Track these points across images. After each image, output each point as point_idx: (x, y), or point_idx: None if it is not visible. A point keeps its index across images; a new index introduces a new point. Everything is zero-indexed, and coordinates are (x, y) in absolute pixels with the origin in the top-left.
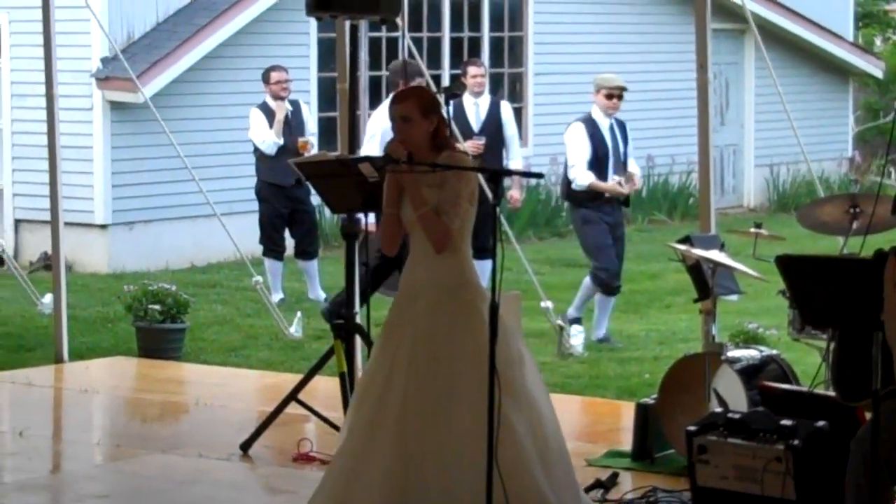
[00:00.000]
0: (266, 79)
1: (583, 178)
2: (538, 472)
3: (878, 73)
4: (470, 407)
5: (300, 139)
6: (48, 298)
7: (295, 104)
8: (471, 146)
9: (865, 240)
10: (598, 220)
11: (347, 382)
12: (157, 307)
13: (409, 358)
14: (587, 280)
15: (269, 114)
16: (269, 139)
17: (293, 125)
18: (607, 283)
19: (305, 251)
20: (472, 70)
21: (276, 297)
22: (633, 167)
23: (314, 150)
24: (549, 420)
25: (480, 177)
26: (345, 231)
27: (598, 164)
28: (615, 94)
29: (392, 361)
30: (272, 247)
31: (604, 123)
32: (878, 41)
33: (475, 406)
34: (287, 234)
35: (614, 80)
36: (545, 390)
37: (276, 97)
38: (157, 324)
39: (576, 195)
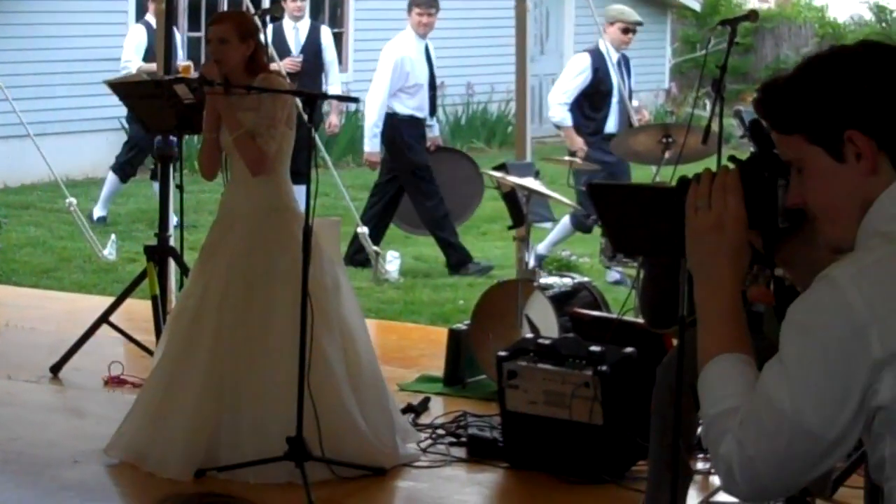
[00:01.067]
0: None
1: (559, 117)
2: (348, 396)
3: (696, 6)
4: (282, 330)
5: (181, 63)
6: None
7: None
8: (288, 63)
9: (677, 169)
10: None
11: (159, 306)
12: None
13: (224, 281)
14: (567, 220)
15: (152, 33)
16: (131, 63)
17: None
18: (587, 225)
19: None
20: None
21: (101, 213)
22: (636, 103)
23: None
24: (363, 348)
25: (297, 101)
26: (159, 153)
27: (601, 99)
28: (631, 28)
29: (207, 284)
30: (129, 170)
31: (612, 58)
32: None
33: (288, 329)
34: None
35: (631, 14)
36: (361, 317)
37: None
38: None
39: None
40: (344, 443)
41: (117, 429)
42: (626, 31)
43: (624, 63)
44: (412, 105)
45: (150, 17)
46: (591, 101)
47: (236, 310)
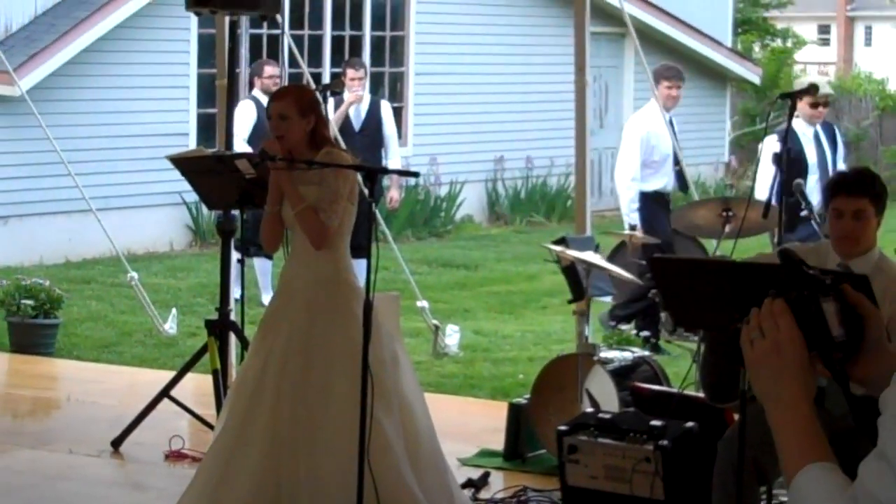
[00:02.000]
0: (258, 73)
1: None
2: (408, 474)
3: (756, 80)
4: (341, 407)
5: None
6: None
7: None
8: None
9: (737, 243)
10: None
11: (220, 380)
12: (30, 302)
13: (283, 355)
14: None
15: (260, 107)
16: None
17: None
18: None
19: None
20: (350, 73)
21: (267, 296)
22: None
23: None
24: (422, 423)
25: (358, 175)
26: (220, 227)
27: (798, 176)
28: (820, 102)
29: (267, 358)
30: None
31: (806, 133)
32: (756, 47)
33: (346, 406)
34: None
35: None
36: (420, 392)
37: (267, 92)
38: (29, 319)
39: None
40: None
41: (177, 503)
42: (814, 105)
43: (826, 134)
44: (657, 180)
45: (258, 93)
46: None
47: (295, 384)
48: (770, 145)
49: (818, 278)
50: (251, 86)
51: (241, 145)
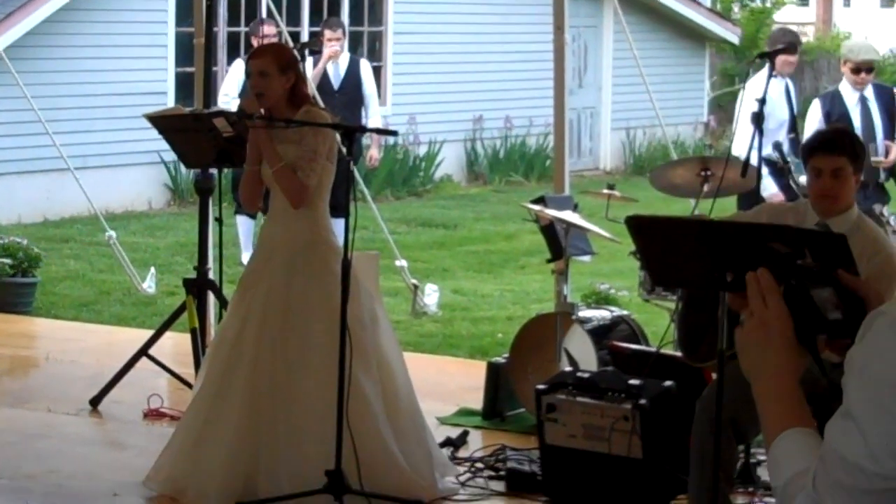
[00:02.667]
0: (255, 32)
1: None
2: (386, 429)
3: (735, 39)
4: (319, 365)
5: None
6: None
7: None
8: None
9: (715, 202)
10: None
11: (199, 338)
12: (7, 261)
13: (262, 314)
14: None
15: None
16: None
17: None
18: None
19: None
20: (328, 34)
21: (247, 255)
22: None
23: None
24: (401, 381)
25: (336, 134)
26: (198, 186)
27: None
28: (862, 68)
29: (245, 317)
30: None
31: (850, 98)
32: (735, 7)
33: (325, 364)
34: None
35: (861, 51)
36: (399, 351)
37: None
38: (7, 277)
39: None
40: (382, 476)
41: (156, 461)
42: (856, 70)
43: (878, 98)
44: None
45: None
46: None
47: (274, 342)
48: (748, 104)
49: (808, 268)
50: (248, 46)
51: (233, 105)
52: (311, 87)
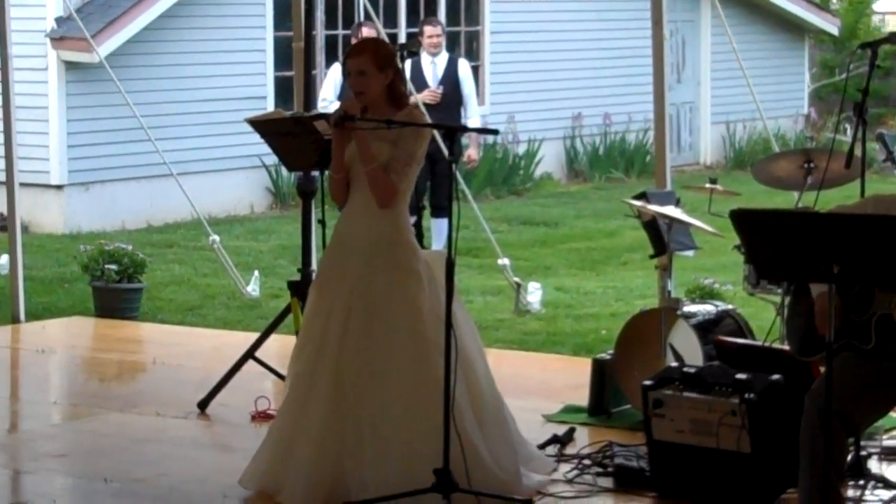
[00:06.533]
0: (355, 34)
1: None
2: (473, 429)
3: (834, 31)
4: (403, 366)
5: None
6: (4, 259)
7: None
8: (427, 95)
9: (819, 194)
10: None
11: None
12: (113, 267)
13: (345, 312)
14: None
15: None
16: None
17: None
18: None
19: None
20: (427, 30)
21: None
22: None
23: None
24: (483, 374)
25: (437, 134)
26: (301, 189)
27: None
28: None
29: (329, 314)
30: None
31: None
32: None
33: (407, 364)
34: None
35: None
36: (480, 346)
37: None
38: (113, 283)
39: None
40: (468, 472)
41: (251, 460)
42: None
43: None
44: None
45: None
46: None
47: (357, 341)
48: None
49: None
50: (347, 49)
51: (331, 109)
52: (409, 85)
